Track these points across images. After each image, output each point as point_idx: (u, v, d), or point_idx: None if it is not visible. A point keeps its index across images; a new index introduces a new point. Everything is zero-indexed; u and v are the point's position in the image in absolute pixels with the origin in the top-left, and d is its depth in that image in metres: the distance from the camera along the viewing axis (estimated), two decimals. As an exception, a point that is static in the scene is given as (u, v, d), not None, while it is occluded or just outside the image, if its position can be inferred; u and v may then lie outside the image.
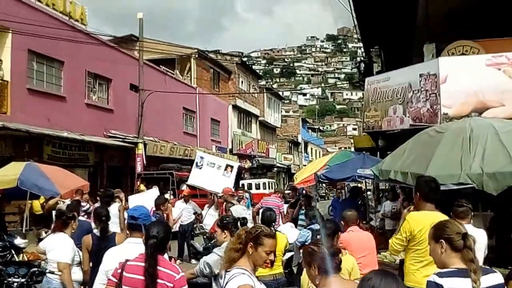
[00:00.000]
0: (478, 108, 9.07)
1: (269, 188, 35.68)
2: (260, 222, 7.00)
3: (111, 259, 4.19)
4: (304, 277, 4.79)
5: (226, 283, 3.32)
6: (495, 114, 8.61)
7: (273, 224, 7.00)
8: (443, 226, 3.40)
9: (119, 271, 3.64)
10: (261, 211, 8.22)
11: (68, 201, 10.36)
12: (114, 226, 10.28)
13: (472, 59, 10.08)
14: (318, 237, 7.67)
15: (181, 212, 12.96)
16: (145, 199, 12.57)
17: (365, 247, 6.11)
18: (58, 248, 5.71)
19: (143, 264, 3.56)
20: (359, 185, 17.65)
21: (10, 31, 16.51)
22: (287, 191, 31.09)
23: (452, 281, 3.11)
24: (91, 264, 5.91)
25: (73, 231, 6.20)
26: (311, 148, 74.26)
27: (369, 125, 12.71)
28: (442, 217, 4.67)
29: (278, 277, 6.30)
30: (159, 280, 3.51)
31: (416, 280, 4.79)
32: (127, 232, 8.60)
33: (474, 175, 5.94)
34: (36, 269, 5.84)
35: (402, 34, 13.91)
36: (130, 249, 4.12)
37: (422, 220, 4.82)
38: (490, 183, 5.84)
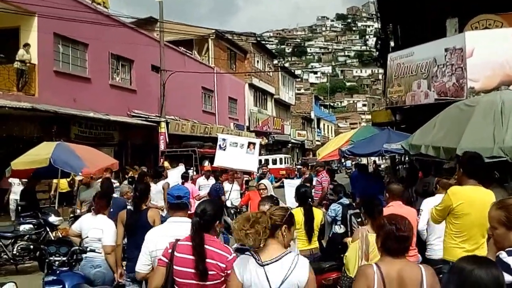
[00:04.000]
0: (505, 81, 8.94)
1: (285, 163, 36.25)
2: (296, 198, 6.71)
3: (153, 239, 4.07)
4: (351, 254, 4.80)
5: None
6: (523, 87, 8.46)
7: (309, 200, 6.77)
8: None
9: (169, 251, 3.53)
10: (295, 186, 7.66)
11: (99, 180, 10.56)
12: (160, 202, 10.64)
13: (499, 32, 9.92)
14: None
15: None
16: (174, 175, 12.82)
17: None
18: (102, 230, 5.79)
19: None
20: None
21: (36, 15, 16.75)
22: (298, 166, 31.27)
23: None
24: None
25: (111, 210, 6.32)
26: (324, 124, 74.51)
27: (392, 101, 12.64)
28: (485, 192, 4.73)
29: (315, 251, 6.25)
30: (211, 260, 3.41)
31: (455, 254, 4.59)
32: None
33: (507, 148, 5.84)
34: (77, 247, 5.78)
35: (420, 10, 13.78)
36: (173, 228, 4.01)
37: (462, 195, 4.76)
38: (523, 156, 5.72)
